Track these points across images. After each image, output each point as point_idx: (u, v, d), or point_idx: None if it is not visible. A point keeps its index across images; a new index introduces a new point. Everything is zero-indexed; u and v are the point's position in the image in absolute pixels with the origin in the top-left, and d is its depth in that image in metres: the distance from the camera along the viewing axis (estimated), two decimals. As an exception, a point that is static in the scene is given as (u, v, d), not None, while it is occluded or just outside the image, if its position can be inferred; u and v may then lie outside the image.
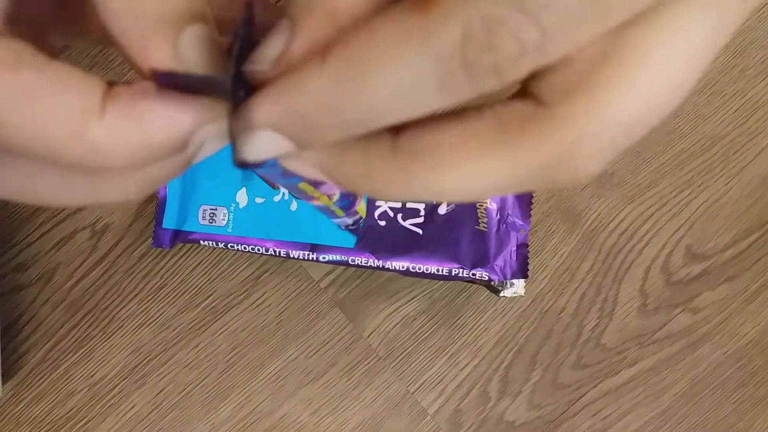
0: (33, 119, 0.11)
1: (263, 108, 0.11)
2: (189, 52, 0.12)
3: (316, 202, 0.15)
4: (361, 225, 0.37)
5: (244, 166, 0.12)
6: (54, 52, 0.13)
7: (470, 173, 0.11)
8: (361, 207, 0.20)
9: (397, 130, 0.12)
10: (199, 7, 0.12)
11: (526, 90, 0.12)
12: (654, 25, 0.11)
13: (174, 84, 0.12)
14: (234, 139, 0.12)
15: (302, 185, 0.16)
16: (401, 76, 0.10)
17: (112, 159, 0.11)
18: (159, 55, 0.12)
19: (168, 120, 0.12)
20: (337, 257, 0.37)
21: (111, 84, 0.12)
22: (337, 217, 0.16)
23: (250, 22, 0.12)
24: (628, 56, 0.11)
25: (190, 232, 0.38)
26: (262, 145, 0.12)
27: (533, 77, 0.11)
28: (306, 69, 0.11)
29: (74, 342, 0.40)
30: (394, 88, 0.10)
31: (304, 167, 0.13)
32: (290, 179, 0.15)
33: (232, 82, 0.12)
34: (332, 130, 0.11)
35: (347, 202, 0.19)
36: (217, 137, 0.13)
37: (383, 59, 0.10)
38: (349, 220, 0.16)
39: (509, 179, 0.11)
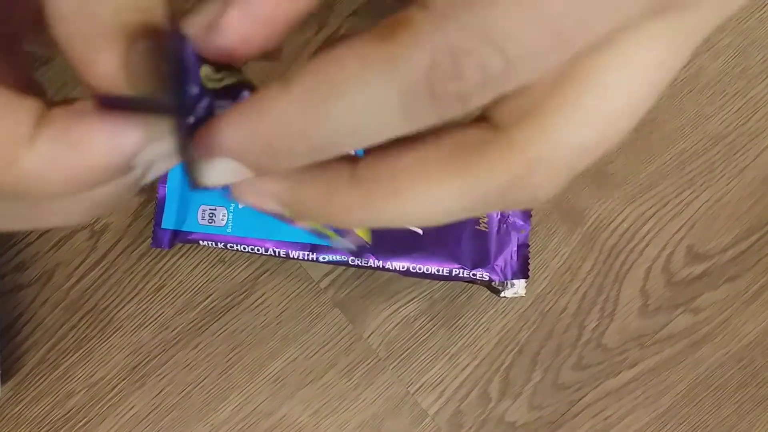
0: None
1: (224, 134, 0.11)
2: (135, 68, 0.11)
3: (301, 225, 0.14)
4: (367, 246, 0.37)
5: (200, 188, 0.12)
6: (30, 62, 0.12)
7: (429, 198, 0.11)
8: (362, 231, 0.19)
9: (355, 158, 0.12)
10: (154, 18, 0.12)
11: (482, 114, 0.12)
12: (606, 53, 0.11)
13: (116, 103, 0.11)
14: (189, 163, 0.12)
15: None
16: (365, 103, 0.10)
17: (45, 187, 0.11)
18: (104, 69, 0.11)
19: (107, 143, 0.11)
20: (337, 257, 0.37)
21: (51, 106, 0.11)
22: (331, 239, 0.15)
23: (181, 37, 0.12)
24: (579, 82, 0.11)
25: (190, 232, 0.38)
26: (220, 171, 0.12)
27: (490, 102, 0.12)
28: (269, 95, 0.11)
29: (73, 342, 0.40)
30: (358, 114, 0.10)
31: (261, 199, 0.13)
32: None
33: (175, 100, 0.11)
34: (294, 157, 0.11)
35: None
36: (165, 157, 0.12)
37: (348, 86, 0.10)
38: (351, 245, 0.15)
39: (467, 203, 0.12)
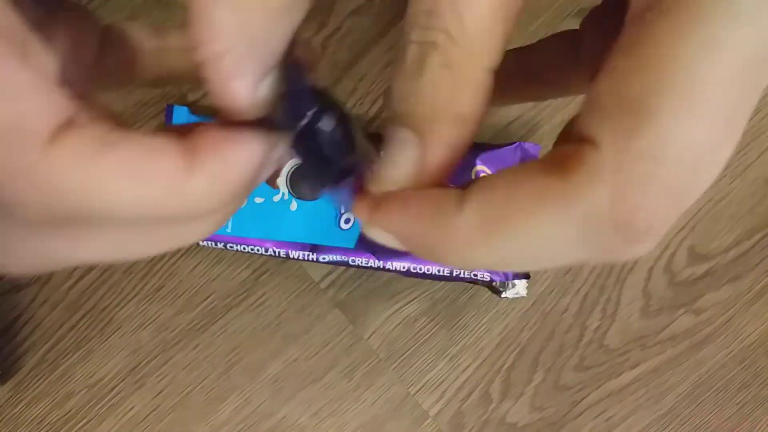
0: (137, 186, 0.11)
1: (394, 220, 0.13)
2: (265, 92, 0.13)
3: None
4: None
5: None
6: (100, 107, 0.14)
7: (533, 228, 0.11)
8: None
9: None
10: (286, 45, 0.13)
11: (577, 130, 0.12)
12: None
13: (242, 122, 0.13)
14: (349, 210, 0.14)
15: None
16: (542, 235, 0.10)
17: (208, 206, 0.12)
18: (240, 91, 0.12)
19: (247, 154, 0.13)
20: (338, 257, 0.37)
21: (179, 138, 0.13)
22: None
23: (295, 61, 0.14)
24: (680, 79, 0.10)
25: (190, 233, 0.37)
26: (383, 236, 0.13)
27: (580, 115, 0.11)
28: (442, 205, 0.12)
29: (73, 343, 0.40)
30: (534, 244, 0.11)
31: (386, 239, 0.14)
32: None
33: (291, 117, 0.13)
34: (450, 262, 0.12)
35: None
36: (273, 164, 0.14)
37: (524, 217, 0.10)
38: None
39: (574, 236, 0.11)
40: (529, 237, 0.11)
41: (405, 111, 0.12)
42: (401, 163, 0.12)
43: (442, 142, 0.12)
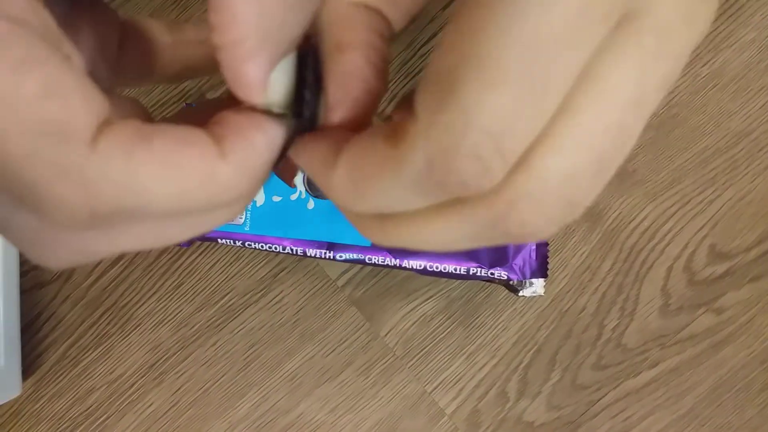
0: (173, 177, 0.12)
1: (299, 156, 0.15)
2: (278, 79, 0.13)
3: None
4: None
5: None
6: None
7: (432, 230, 0.13)
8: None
9: None
10: (300, 32, 0.13)
11: None
12: (580, 83, 0.11)
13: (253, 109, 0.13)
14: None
15: None
16: (388, 191, 0.12)
17: (238, 190, 0.13)
18: (254, 76, 0.13)
19: (267, 138, 0.13)
20: (354, 256, 0.37)
21: (203, 125, 0.13)
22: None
23: (309, 50, 0.14)
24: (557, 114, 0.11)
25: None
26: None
27: None
28: (325, 156, 0.13)
29: (93, 339, 0.40)
30: (385, 198, 0.12)
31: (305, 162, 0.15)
32: None
33: (297, 109, 0.14)
34: (343, 206, 0.14)
35: None
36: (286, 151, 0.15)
37: (373, 179, 0.12)
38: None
39: (466, 235, 0.13)
40: (382, 194, 0.12)
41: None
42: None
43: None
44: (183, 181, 0.12)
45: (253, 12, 0.12)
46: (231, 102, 0.14)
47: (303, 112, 0.14)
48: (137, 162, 0.12)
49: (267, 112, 0.14)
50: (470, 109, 0.10)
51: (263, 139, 0.13)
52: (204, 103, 0.15)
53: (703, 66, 0.42)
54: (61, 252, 0.13)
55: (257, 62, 0.12)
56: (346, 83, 0.13)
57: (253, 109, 0.14)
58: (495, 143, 0.10)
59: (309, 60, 0.14)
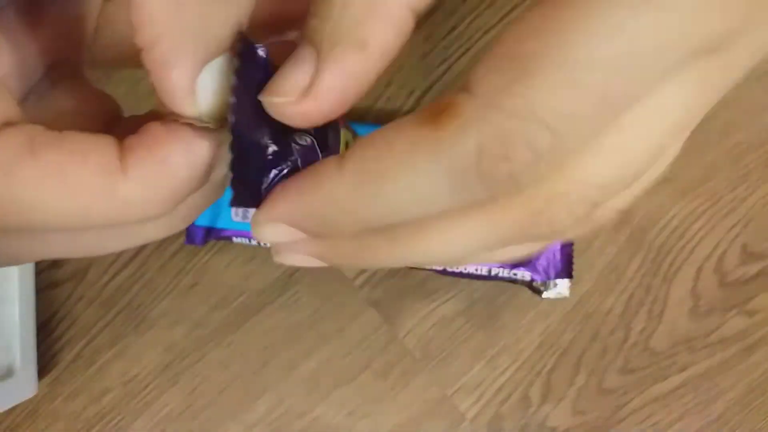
0: (62, 194, 0.11)
1: (279, 206, 0.12)
2: (207, 85, 0.12)
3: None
4: None
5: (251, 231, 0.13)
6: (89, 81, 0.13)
7: (449, 242, 0.12)
8: None
9: None
10: (233, 33, 0.12)
11: None
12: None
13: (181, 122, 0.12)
14: (235, 181, 0.13)
15: None
16: (414, 185, 0.11)
17: (146, 208, 0.12)
18: (177, 82, 0.12)
19: (187, 154, 0.12)
20: (373, 256, 0.36)
21: (119, 137, 0.12)
22: None
23: (245, 51, 0.12)
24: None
25: (223, 229, 0.37)
26: (276, 232, 0.13)
27: None
28: (324, 172, 0.12)
29: (108, 339, 0.40)
30: (408, 195, 0.11)
31: (297, 259, 0.14)
32: None
33: (233, 113, 0.12)
34: (345, 228, 0.12)
35: None
36: (222, 163, 0.13)
37: (398, 170, 0.11)
38: None
39: (490, 240, 0.12)
40: (405, 189, 0.11)
41: (311, 26, 0.12)
42: (293, 77, 0.12)
43: (338, 65, 0.11)
44: (70, 197, 0.11)
45: (170, 9, 0.11)
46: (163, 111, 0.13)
47: (228, 119, 0.12)
48: (17, 176, 0.10)
49: (194, 124, 0.12)
50: (540, 99, 0.10)
51: (180, 157, 0.12)
52: (154, 111, 0.14)
53: (735, 58, 0.40)
54: None
55: (179, 65, 0.11)
56: (348, 86, 0.12)
57: (177, 120, 0.12)
58: (552, 139, 0.10)
59: (245, 62, 0.12)
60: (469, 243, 0.12)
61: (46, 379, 0.40)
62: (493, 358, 0.39)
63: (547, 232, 0.12)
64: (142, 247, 0.40)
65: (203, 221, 0.37)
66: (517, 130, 0.10)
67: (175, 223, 0.13)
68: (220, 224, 0.37)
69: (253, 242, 0.37)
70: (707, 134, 0.40)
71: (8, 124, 0.11)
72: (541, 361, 0.39)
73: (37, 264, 0.40)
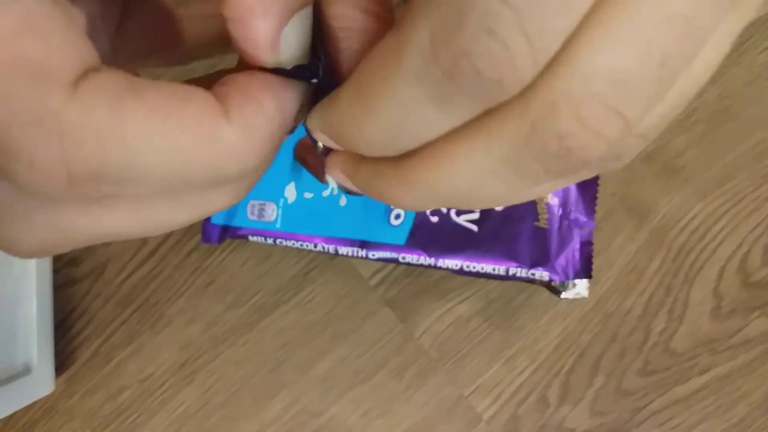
0: (169, 136, 0.10)
1: (315, 114, 0.13)
2: (290, 36, 0.12)
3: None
4: None
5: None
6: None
7: (457, 162, 0.11)
8: None
9: None
10: None
11: None
12: None
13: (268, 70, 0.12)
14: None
15: None
16: (395, 99, 0.10)
17: (246, 157, 0.11)
18: (263, 33, 0.11)
19: (277, 100, 0.12)
20: (388, 254, 0.36)
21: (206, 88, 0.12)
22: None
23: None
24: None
25: (239, 228, 0.37)
26: (322, 138, 0.13)
27: None
28: (336, 91, 0.12)
29: (125, 337, 0.40)
30: (393, 104, 0.10)
31: (334, 173, 0.15)
32: None
33: (311, 66, 0.13)
34: (358, 147, 0.12)
35: None
36: (299, 118, 0.14)
37: (376, 77, 0.10)
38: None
39: (496, 160, 0.10)
40: (391, 102, 0.10)
41: None
42: None
43: None
44: (180, 140, 0.10)
45: None
46: (238, 68, 0.12)
47: (317, 73, 0.12)
48: (125, 112, 0.10)
49: (278, 73, 0.12)
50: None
51: (273, 101, 0.12)
52: (207, 75, 0.14)
53: (759, 54, 0.39)
54: (37, 229, 0.11)
55: (267, 17, 0.11)
56: (345, 40, 0.12)
57: (262, 69, 0.12)
58: (517, 17, 0.08)
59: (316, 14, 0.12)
60: (475, 165, 0.11)
61: (64, 377, 0.40)
62: (511, 359, 0.39)
63: (556, 149, 0.10)
64: (159, 246, 0.40)
65: (219, 219, 0.37)
66: (462, 11, 0.08)
67: (242, 192, 0.13)
68: (236, 222, 0.37)
69: (269, 241, 0.37)
70: (728, 133, 0.39)
71: (93, 69, 0.10)
72: (560, 361, 0.38)
73: (55, 261, 0.40)
